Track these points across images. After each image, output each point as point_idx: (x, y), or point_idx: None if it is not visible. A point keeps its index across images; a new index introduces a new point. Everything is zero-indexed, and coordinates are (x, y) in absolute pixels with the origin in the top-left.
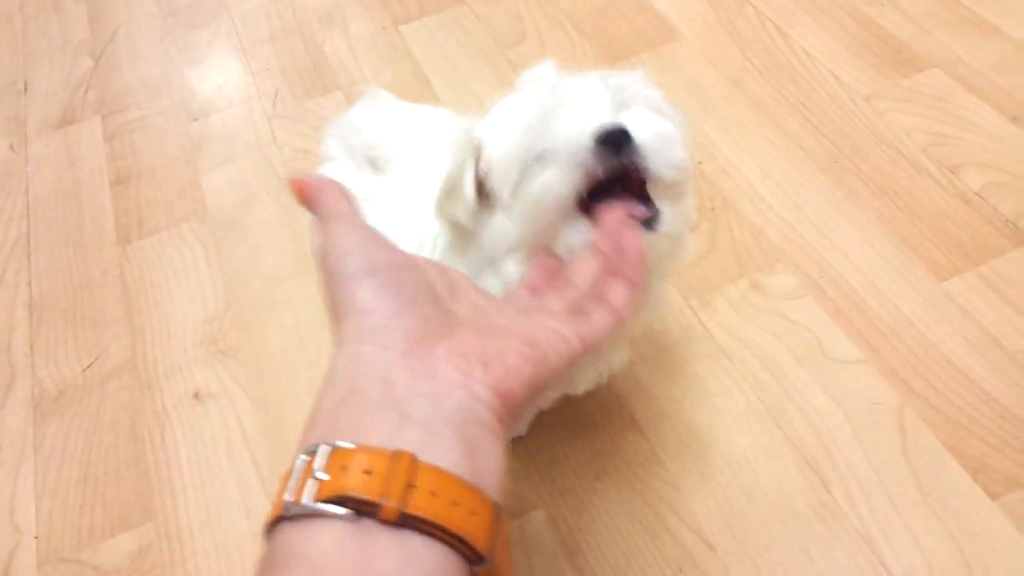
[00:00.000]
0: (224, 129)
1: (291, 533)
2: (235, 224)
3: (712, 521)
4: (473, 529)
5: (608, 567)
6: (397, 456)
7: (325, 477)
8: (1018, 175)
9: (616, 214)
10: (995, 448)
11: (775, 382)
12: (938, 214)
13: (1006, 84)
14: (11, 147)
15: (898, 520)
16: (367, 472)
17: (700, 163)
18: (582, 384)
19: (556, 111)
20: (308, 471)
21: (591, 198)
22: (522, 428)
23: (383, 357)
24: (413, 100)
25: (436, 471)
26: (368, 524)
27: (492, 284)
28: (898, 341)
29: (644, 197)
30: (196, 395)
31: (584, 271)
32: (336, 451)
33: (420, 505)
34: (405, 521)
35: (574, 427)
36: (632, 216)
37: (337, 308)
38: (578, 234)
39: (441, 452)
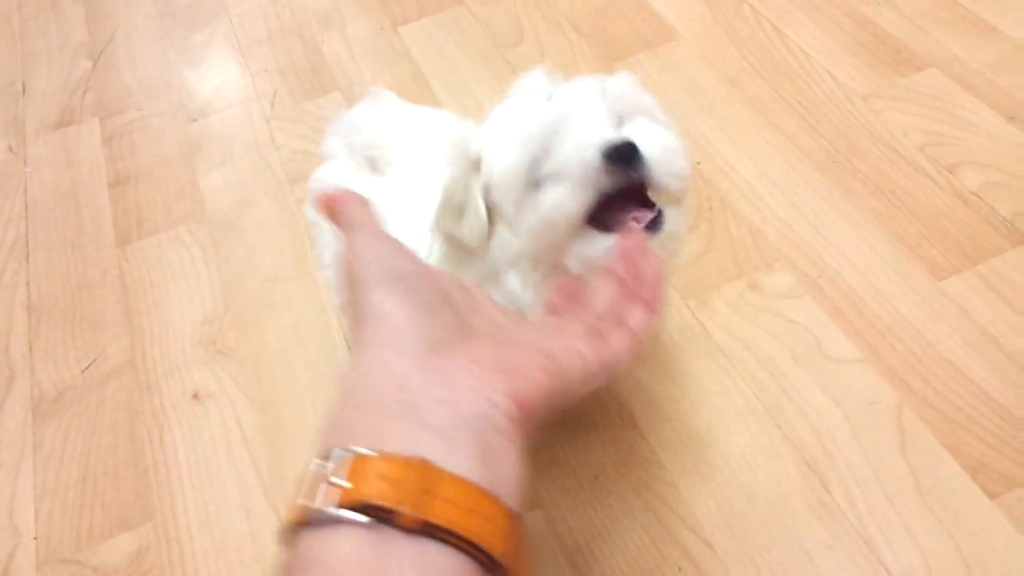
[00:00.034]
0: (222, 130)
1: (310, 539)
2: (233, 225)
3: (711, 521)
4: (490, 537)
5: (607, 567)
6: (414, 463)
7: (345, 483)
8: (1015, 174)
9: (633, 239)
10: (993, 447)
11: (773, 381)
12: (936, 213)
13: (1003, 83)
14: (9, 148)
15: (897, 519)
16: (384, 479)
17: (698, 163)
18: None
19: (558, 126)
20: (325, 476)
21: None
22: None
23: (400, 362)
24: (412, 101)
25: (453, 478)
26: (386, 531)
27: (494, 297)
28: (896, 340)
29: (645, 201)
30: (195, 396)
31: (603, 295)
32: (354, 457)
33: (437, 512)
34: (422, 528)
35: (574, 427)
36: (637, 220)
37: (357, 313)
38: (588, 247)
39: (458, 459)
